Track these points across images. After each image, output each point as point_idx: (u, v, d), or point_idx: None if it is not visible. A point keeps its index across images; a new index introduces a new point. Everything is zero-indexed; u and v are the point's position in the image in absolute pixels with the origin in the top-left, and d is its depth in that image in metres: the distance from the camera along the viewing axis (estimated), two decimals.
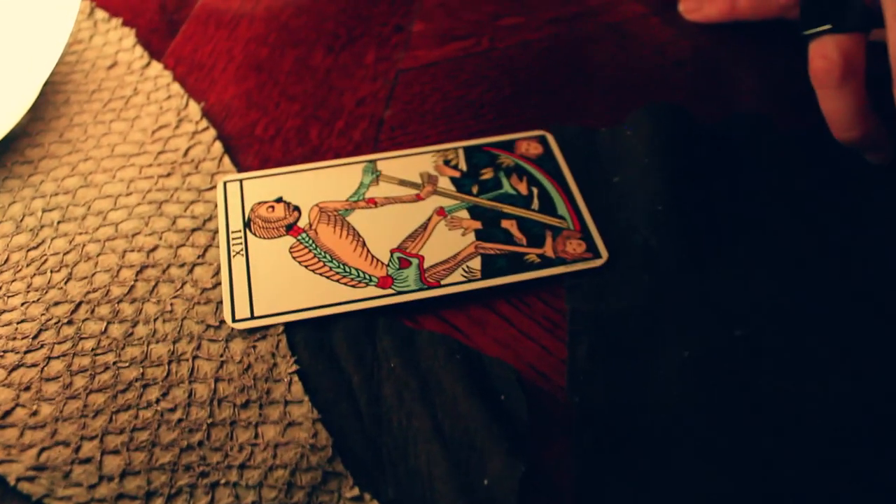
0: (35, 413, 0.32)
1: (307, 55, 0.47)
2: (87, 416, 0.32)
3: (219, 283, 0.36)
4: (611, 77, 0.45)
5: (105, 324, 0.35)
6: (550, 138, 0.42)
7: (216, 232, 0.38)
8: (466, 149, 0.42)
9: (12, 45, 0.37)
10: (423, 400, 0.32)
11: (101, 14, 0.50)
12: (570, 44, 0.48)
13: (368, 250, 0.37)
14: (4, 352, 0.34)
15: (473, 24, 0.49)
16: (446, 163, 0.41)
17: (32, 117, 0.43)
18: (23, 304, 0.35)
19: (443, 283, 0.35)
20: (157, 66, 0.46)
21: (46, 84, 0.45)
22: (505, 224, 0.38)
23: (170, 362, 0.33)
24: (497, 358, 0.33)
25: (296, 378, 0.33)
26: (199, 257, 0.37)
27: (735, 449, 0.31)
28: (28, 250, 0.37)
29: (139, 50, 0.47)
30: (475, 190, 0.39)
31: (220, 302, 0.35)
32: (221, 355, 0.34)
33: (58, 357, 0.34)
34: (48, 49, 0.40)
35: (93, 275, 0.36)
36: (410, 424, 0.32)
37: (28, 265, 0.37)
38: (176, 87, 0.45)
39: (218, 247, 0.37)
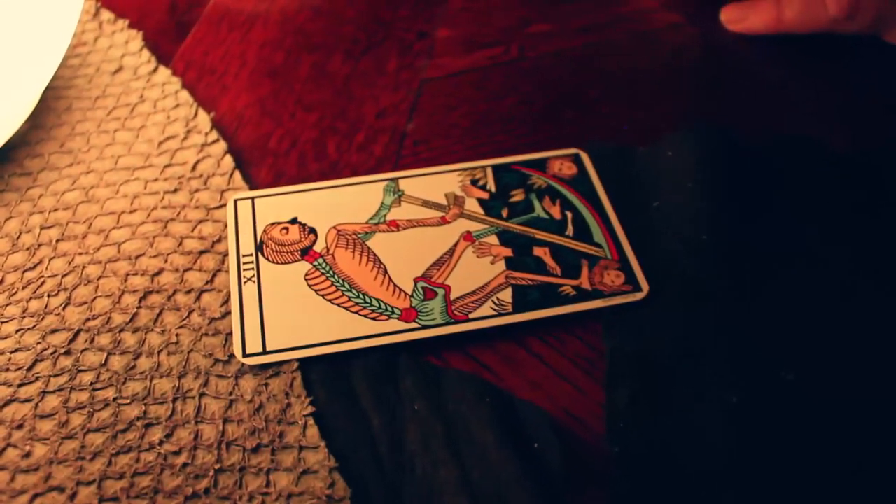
0: (28, 455, 0.29)
1: (325, 61, 0.45)
2: (85, 459, 0.29)
3: (228, 313, 0.33)
4: (648, 91, 0.43)
5: (105, 355, 0.32)
6: (585, 157, 0.39)
7: (226, 255, 0.35)
8: (495, 167, 0.39)
9: (11, 47, 0.34)
10: (450, 447, 0.30)
11: (106, 15, 0.47)
12: (605, 54, 0.45)
13: (390, 279, 0.34)
14: None
15: (501, 31, 0.46)
16: (473, 182, 0.38)
17: (32, 125, 0.41)
18: (17, 332, 0.33)
19: (471, 316, 0.33)
20: (164, 72, 0.44)
21: (47, 89, 0.42)
22: (537, 252, 0.35)
23: (174, 400, 0.31)
24: (530, 402, 0.31)
25: (311, 421, 0.30)
26: (207, 283, 0.34)
27: None
28: (24, 271, 0.35)
29: (146, 54, 0.45)
30: (505, 213, 0.37)
31: (230, 333, 0.33)
32: (230, 393, 0.31)
33: (53, 391, 0.31)
34: (50, 52, 0.37)
35: (93, 300, 0.34)
36: (436, 474, 0.29)
37: (24, 288, 0.34)
38: (184, 95, 0.42)
39: (227, 272, 0.34)
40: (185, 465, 0.29)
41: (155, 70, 0.44)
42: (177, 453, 0.30)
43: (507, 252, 0.35)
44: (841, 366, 0.32)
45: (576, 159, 0.39)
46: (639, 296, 0.34)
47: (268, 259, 0.35)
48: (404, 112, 0.42)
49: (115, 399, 0.31)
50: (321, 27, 0.47)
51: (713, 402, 0.31)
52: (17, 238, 0.36)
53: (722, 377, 0.32)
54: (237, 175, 0.38)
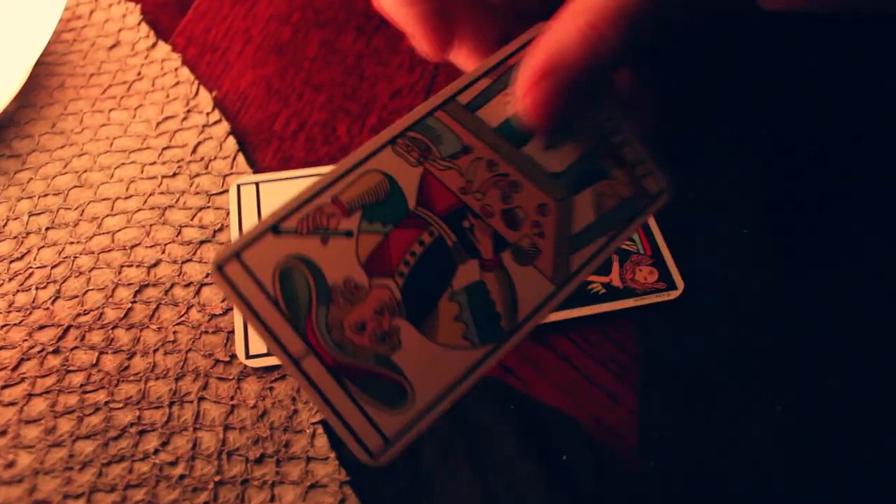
0: (11, 464, 0.27)
1: (335, 38, 0.42)
2: (73, 469, 0.27)
3: (230, 309, 0.31)
4: (682, 67, 0.39)
5: (97, 354, 0.29)
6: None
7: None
8: None
9: None
10: (471, 459, 0.27)
11: None
12: None
13: None
14: None
15: None
16: None
17: (21, 103, 0.38)
18: (2, 328, 0.30)
19: None
20: (164, 48, 0.41)
21: (38, 65, 0.39)
22: None
23: (171, 404, 0.28)
24: (558, 409, 0.28)
25: (320, 429, 0.28)
26: (207, 276, 0.32)
27: None
28: (11, 261, 0.32)
29: (145, 28, 0.42)
30: None
31: (232, 332, 0.30)
32: (232, 398, 0.28)
33: (40, 394, 0.29)
34: (39, 24, 0.34)
35: (84, 293, 0.31)
36: (456, 490, 0.26)
37: (10, 279, 0.31)
38: (185, 72, 0.39)
39: None
40: (182, 476, 0.27)
41: (154, 45, 0.41)
42: (173, 463, 0.27)
43: None
44: (891, 371, 0.29)
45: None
46: (673, 294, 0.31)
47: None
48: (420, 93, 0.39)
49: (106, 403, 0.28)
50: (331, 1, 0.44)
51: (755, 411, 0.28)
52: (4, 225, 0.33)
53: (764, 383, 0.29)
54: (240, 158, 0.35)
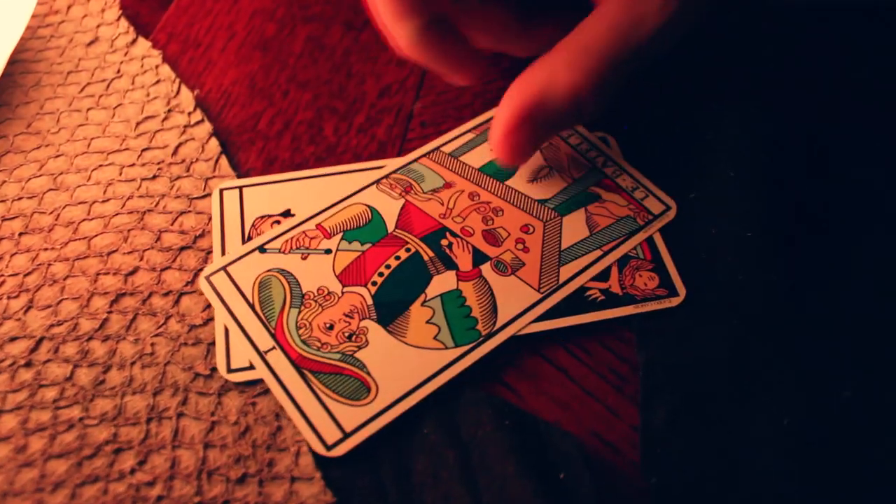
0: None
1: (322, 33, 0.40)
2: (45, 490, 0.26)
3: (211, 319, 0.29)
4: (680, 65, 0.38)
5: (71, 367, 0.28)
6: (613, 142, 0.35)
7: (209, 252, 0.31)
8: None
9: None
10: (465, 478, 0.26)
11: None
12: None
13: None
14: None
15: None
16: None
17: None
18: None
19: None
20: (144, 44, 0.39)
21: (13, 62, 0.38)
22: None
23: (149, 420, 0.27)
24: (556, 425, 0.27)
25: (304, 447, 0.26)
26: (187, 284, 0.30)
27: None
28: None
29: (124, 23, 0.40)
30: None
31: (212, 344, 0.29)
32: (213, 413, 0.27)
33: (11, 410, 0.27)
34: (12, 18, 0.33)
35: (58, 303, 0.30)
36: None
37: None
38: (166, 70, 0.38)
39: None
40: (160, 497, 0.26)
41: (134, 42, 0.40)
42: (151, 484, 0.26)
43: None
44: None
45: (603, 143, 0.35)
46: (675, 301, 0.30)
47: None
48: (410, 90, 0.37)
49: (80, 419, 0.27)
50: None
51: (762, 425, 0.27)
52: None
53: (771, 395, 0.28)
54: (223, 161, 0.34)
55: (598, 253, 0.31)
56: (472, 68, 0.30)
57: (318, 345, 0.28)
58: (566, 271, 0.30)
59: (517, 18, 0.32)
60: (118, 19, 0.41)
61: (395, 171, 0.33)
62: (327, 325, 0.28)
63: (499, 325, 0.29)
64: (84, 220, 0.32)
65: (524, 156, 0.30)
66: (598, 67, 0.28)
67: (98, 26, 0.40)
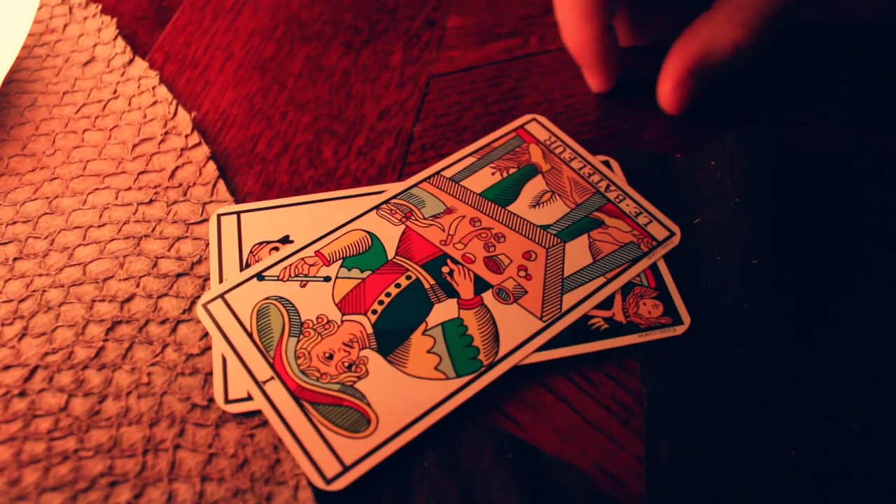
0: None
1: (321, 53, 0.40)
2: None
3: (208, 348, 0.29)
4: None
5: (66, 397, 0.28)
6: (616, 166, 0.34)
7: (206, 279, 0.31)
8: None
9: None
10: None
11: None
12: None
13: None
14: None
15: (519, 20, 0.42)
16: None
17: None
18: None
19: None
20: (141, 64, 0.39)
21: (8, 83, 0.37)
22: None
23: (145, 452, 0.26)
24: (559, 457, 0.26)
25: (304, 481, 0.26)
26: (184, 312, 0.30)
27: None
28: None
29: (121, 43, 0.40)
30: None
31: (210, 373, 0.28)
32: (210, 445, 0.27)
33: (4, 441, 0.27)
34: (8, 37, 0.32)
35: (53, 330, 0.29)
36: None
37: None
38: (163, 91, 0.37)
39: None
40: None
41: (131, 62, 0.39)
42: None
43: None
44: None
45: (606, 167, 0.34)
46: (679, 330, 0.29)
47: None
48: (410, 112, 0.37)
49: (76, 451, 0.27)
50: (317, 15, 0.42)
51: (768, 457, 0.27)
52: None
53: (777, 428, 0.27)
54: (221, 185, 0.34)
55: (602, 280, 0.30)
56: (616, 73, 0.37)
57: (318, 375, 0.27)
58: (569, 299, 0.30)
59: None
60: (115, 39, 0.40)
61: (395, 196, 0.33)
62: (327, 355, 0.28)
63: (501, 354, 0.28)
64: (79, 245, 0.32)
65: (688, 105, 0.35)
66: (755, 22, 0.33)
67: (95, 45, 0.40)
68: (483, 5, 0.43)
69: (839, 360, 0.29)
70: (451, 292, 0.30)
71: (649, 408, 0.28)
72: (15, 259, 0.31)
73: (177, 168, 0.34)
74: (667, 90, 0.35)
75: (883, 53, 0.39)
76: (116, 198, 0.33)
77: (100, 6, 0.42)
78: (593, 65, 0.36)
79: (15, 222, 0.33)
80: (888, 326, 0.30)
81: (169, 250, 0.32)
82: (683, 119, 0.36)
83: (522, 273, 0.30)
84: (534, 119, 0.36)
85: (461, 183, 0.33)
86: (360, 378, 0.28)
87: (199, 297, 0.30)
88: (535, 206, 0.33)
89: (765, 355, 0.29)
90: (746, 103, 0.37)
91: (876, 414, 0.28)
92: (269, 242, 0.31)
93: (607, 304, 0.30)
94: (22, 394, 0.28)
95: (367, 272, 0.30)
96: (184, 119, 0.36)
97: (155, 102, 0.37)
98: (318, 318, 0.29)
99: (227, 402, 0.27)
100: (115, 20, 0.41)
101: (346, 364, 0.28)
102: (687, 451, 0.27)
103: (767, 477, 0.26)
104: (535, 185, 0.33)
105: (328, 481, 0.25)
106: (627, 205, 0.33)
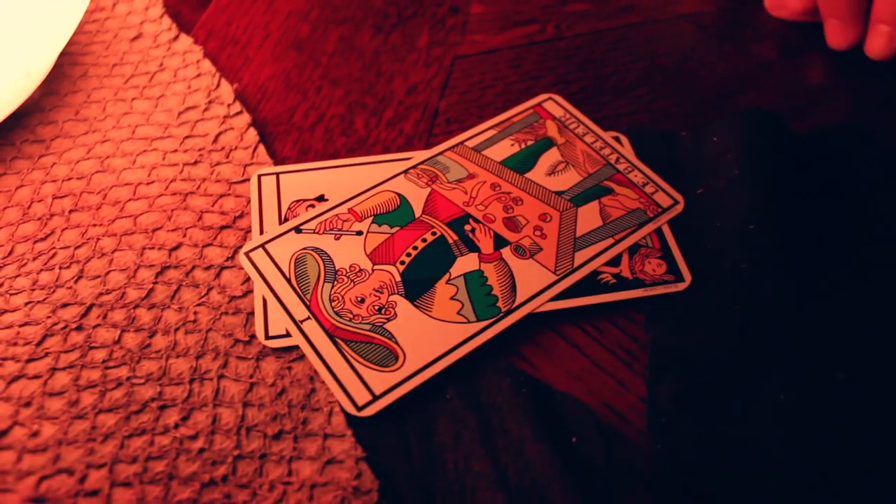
0: (35, 434, 0.27)
1: (353, 35, 0.43)
2: (96, 441, 0.27)
3: (249, 291, 0.31)
4: (690, 75, 0.41)
5: (119, 332, 0.30)
6: (625, 141, 0.37)
7: (248, 231, 0.33)
8: None
9: (26, 9, 0.32)
10: (484, 440, 0.28)
11: None
12: (646, 36, 0.43)
13: None
14: (4, 359, 0.29)
15: (538, 9, 0.44)
16: None
17: (46, 91, 0.39)
18: (27, 304, 0.31)
19: None
20: (186, 40, 0.42)
21: (63, 55, 0.40)
22: None
23: (192, 381, 0.29)
24: (569, 394, 0.29)
25: (337, 408, 0.28)
26: (227, 259, 0.32)
27: None
28: (35, 242, 0.33)
29: (167, 21, 0.43)
30: None
31: (251, 313, 0.31)
32: (251, 376, 0.29)
33: (64, 368, 0.29)
34: (65, 15, 0.35)
35: (106, 274, 0.32)
36: (469, 468, 0.27)
37: (34, 259, 0.32)
38: (206, 65, 0.40)
39: None
40: (201, 450, 0.27)
41: (175, 38, 0.42)
42: (193, 437, 0.28)
43: None
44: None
45: (616, 142, 0.37)
46: (681, 286, 0.32)
47: None
48: (436, 89, 0.40)
49: (128, 378, 0.29)
50: (350, 0, 0.45)
51: (759, 401, 0.29)
52: (28, 207, 0.34)
53: (768, 375, 0.30)
54: (261, 149, 0.36)
55: (611, 241, 0.33)
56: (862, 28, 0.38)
57: (350, 316, 0.30)
58: (581, 256, 0.32)
59: None
60: (161, 17, 0.43)
61: (422, 162, 0.35)
62: (359, 299, 0.31)
63: (517, 302, 0.31)
64: (130, 199, 0.35)
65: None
66: None
67: (142, 23, 0.43)
68: None
69: (827, 316, 0.31)
70: (473, 247, 0.32)
71: (652, 353, 0.30)
72: (70, 211, 0.34)
73: (220, 133, 0.37)
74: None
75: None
76: (164, 159, 0.36)
77: None
78: (844, 15, 0.38)
79: (70, 178, 0.35)
80: (873, 286, 0.32)
81: (213, 206, 0.34)
82: (689, 100, 0.39)
83: (538, 232, 0.33)
84: (550, 98, 0.39)
85: (483, 152, 0.36)
86: (388, 320, 0.30)
87: (241, 246, 0.33)
88: (550, 175, 0.35)
89: (758, 311, 0.31)
90: (745, 86, 0.40)
91: (859, 365, 0.30)
92: (305, 200, 0.34)
93: (615, 261, 0.32)
94: (78, 328, 0.30)
95: (396, 228, 0.33)
96: (226, 90, 0.39)
97: (199, 75, 0.40)
98: (350, 266, 0.32)
99: (268, 338, 0.30)
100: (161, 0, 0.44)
101: (376, 307, 0.30)
102: (685, 393, 0.29)
103: (758, 417, 0.29)
104: (551, 156, 0.36)
105: (359, 408, 0.28)
106: (636, 175, 0.35)
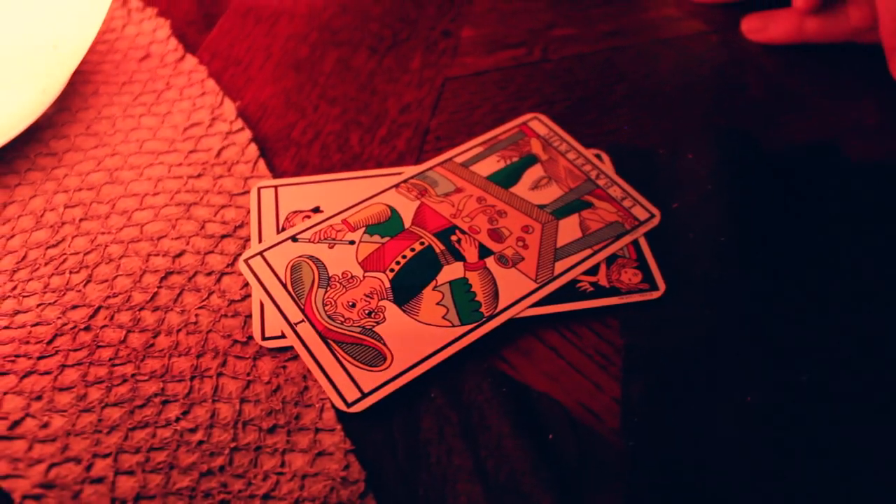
0: (46, 425, 0.29)
1: (349, 56, 0.45)
2: (102, 432, 0.29)
3: (248, 296, 0.33)
4: (669, 97, 0.43)
5: (125, 332, 0.32)
6: (606, 158, 0.39)
7: (247, 240, 0.35)
8: None
9: (42, 30, 0.34)
10: (465, 435, 0.30)
11: (135, 2, 0.48)
12: (628, 59, 0.45)
13: None
14: (17, 356, 0.31)
15: (526, 33, 0.47)
16: None
17: (59, 107, 0.41)
18: (38, 306, 0.33)
19: None
20: (191, 61, 0.44)
21: (75, 73, 0.43)
22: None
23: (192, 378, 0.31)
24: (546, 394, 0.31)
25: (328, 404, 0.30)
26: (227, 266, 0.34)
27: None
28: (47, 248, 0.35)
29: (173, 42, 0.45)
30: None
31: (249, 316, 0.33)
32: (248, 374, 0.31)
33: (73, 365, 0.31)
34: (79, 35, 0.37)
35: (114, 278, 0.34)
36: (450, 462, 0.29)
37: (46, 264, 0.34)
38: (210, 84, 0.43)
39: None
40: (200, 442, 0.29)
41: (182, 58, 0.44)
42: (193, 430, 0.30)
43: None
44: (855, 369, 0.32)
45: (597, 159, 0.39)
46: (655, 294, 0.34)
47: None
48: (427, 108, 0.42)
49: (133, 375, 0.31)
50: (347, 23, 0.47)
51: (727, 401, 0.31)
52: (41, 216, 0.36)
53: (736, 377, 0.32)
54: (261, 163, 0.38)
55: (589, 251, 0.35)
56: None
57: (342, 319, 0.32)
58: (560, 266, 0.34)
59: None
60: (168, 38, 0.45)
61: (412, 177, 0.37)
62: (350, 304, 0.33)
63: (500, 308, 0.33)
64: (137, 209, 0.37)
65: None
66: None
67: (150, 44, 0.45)
68: (494, 19, 0.48)
69: (793, 322, 0.33)
70: (459, 256, 0.34)
71: (626, 356, 0.32)
72: (81, 219, 0.36)
73: (222, 148, 0.39)
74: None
75: (846, 70, 0.44)
76: (169, 172, 0.38)
77: (155, 9, 0.47)
78: None
79: (81, 189, 0.37)
80: (836, 294, 0.34)
81: (215, 216, 0.36)
82: (666, 120, 0.41)
83: (521, 243, 0.35)
84: (535, 117, 0.41)
85: (470, 168, 0.38)
86: (378, 323, 0.32)
87: (240, 254, 0.35)
88: (533, 189, 0.37)
89: (728, 317, 0.33)
90: (721, 107, 0.42)
91: (822, 369, 0.32)
92: (301, 211, 0.36)
93: (593, 271, 0.34)
94: (87, 328, 0.32)
95: (387, 238, 0.35)
96: (229, 107, 0.41)
97: (203, 93, 0.42)
98: (343, 273, 0.34)
99: (264, 339, 0.32)
100: (168, 22, 0.46)
101: (366, 311, 0.32)
102: (657, 393, 0.31)
103: (726, 416, 0.31)
104: (535, 172, 0.38)
105: (349, 405, 0.30)
106: (615, 190, 0.37)
